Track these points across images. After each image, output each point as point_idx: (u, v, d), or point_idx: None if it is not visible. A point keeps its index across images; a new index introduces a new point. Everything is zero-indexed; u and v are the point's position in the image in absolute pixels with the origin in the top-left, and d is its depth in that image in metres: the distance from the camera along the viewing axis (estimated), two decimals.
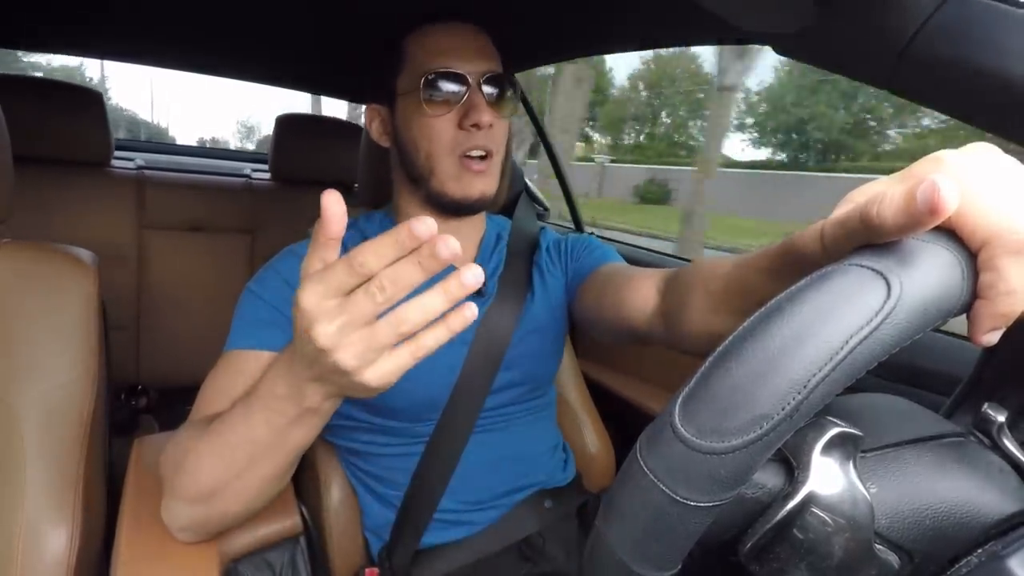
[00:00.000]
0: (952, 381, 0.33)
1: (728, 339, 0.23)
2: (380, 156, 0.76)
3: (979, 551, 0.24)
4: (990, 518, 0.24)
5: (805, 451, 0.24)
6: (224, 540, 0.55)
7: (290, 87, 1.71)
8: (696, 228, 6.77)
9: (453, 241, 0.30)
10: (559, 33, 1.00)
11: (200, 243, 1.48)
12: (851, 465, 0.24)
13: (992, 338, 0.24)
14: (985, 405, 0.27)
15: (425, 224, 0.30)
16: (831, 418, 0.25)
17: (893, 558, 0.24)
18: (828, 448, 0.24)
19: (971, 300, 0.24)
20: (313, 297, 0.33)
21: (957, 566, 0.24)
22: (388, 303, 0.32)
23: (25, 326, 0.59)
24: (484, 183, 0.65)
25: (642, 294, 0.58)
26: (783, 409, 0.21)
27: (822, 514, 0.23)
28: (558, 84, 6.64)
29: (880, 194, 0.24)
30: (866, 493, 0.24)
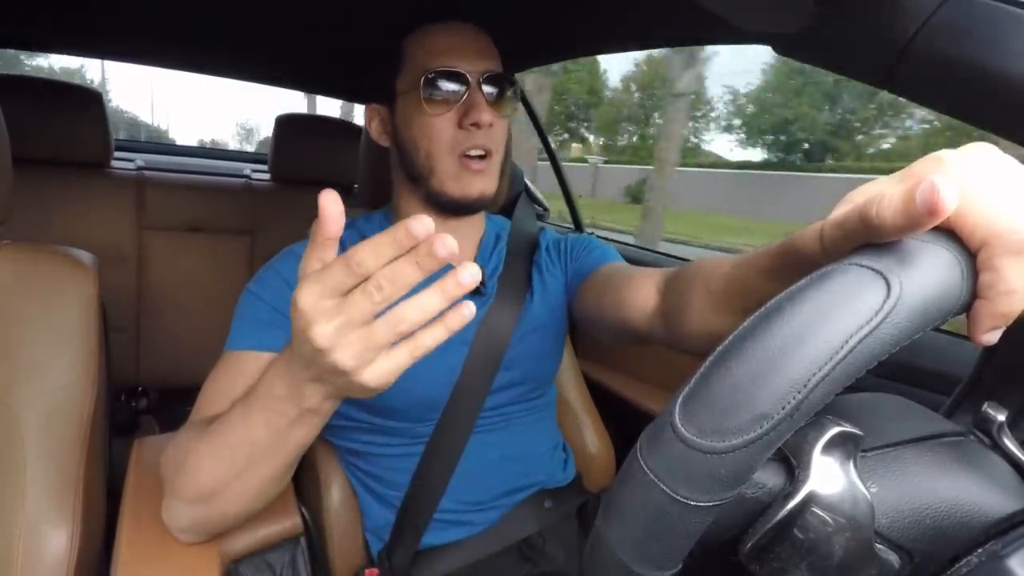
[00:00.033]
0: (952, 380, 0.33)
1: (728, 339, 0.23)
2: (380, 156, 0.76)
3: (979, 550, 0.24)
4: (990, 517, 0.24)
5: (805, 450, 0.24)
6: (224, 541, 0.55)
7: (290, 87, 1.71)
8: (654, 223, 7.72)
9: (450, 240, 0.30)
10: (559, 33, 1.00)
11: (200, 244, 1.48)
12: (851, 464, 0.24)
13: (992, 337, 0.24)
14: (985, 404, 0.27)
15: (422, 223, 0.30)
16: (831, 417, 0.25)
17: (893, 557, 0.24)
18: (828, 447, 0.24)
19: (971, 300, 0.24)
20: (310, 297, 0.33)
21: (957, 565, 0.24)
22: (386, 302, 0.32)
23: (25, 327, 0.59)
24: (483, 182, 0.65)
25: (642, 294, 0.58)
26: (783, 408, 0.21)
27: (822, 513, 0.23)
28: None
29: (879, 194, 0.24)
30: (866, 492, 0.24)
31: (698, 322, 0.49)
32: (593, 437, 0.90)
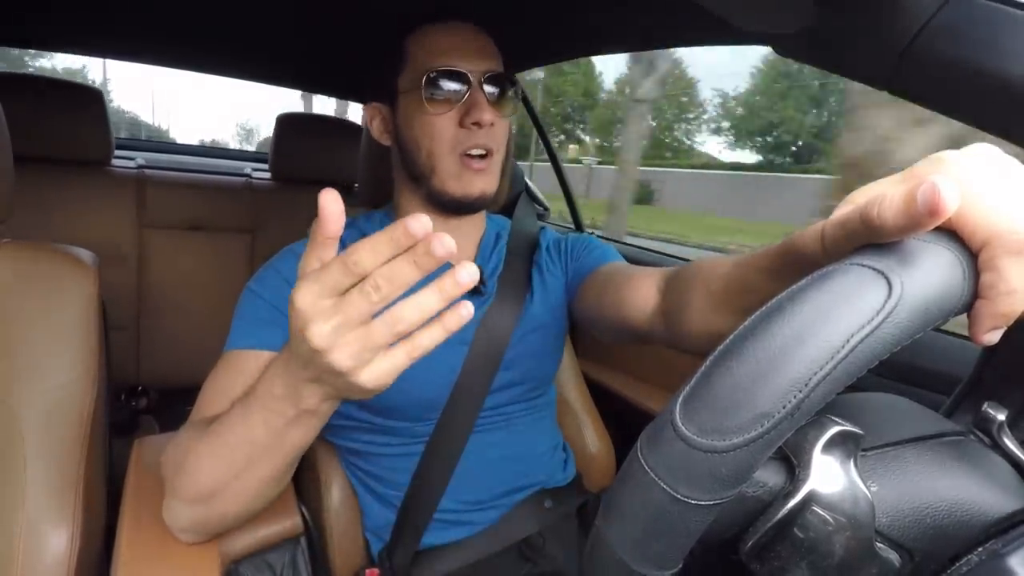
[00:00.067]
0: (952, 380, 0.33)
1: (729, 338, 0.23)
2: (380, 156, 0.76)
3: (979, 549, 0.24)
4: (990, 516, 0.24)
5: (806, 450, 0.24)
6: (225, 541, 0.55)
7: (291, 86, 1.71)
8: (619, 219, 8.16)
9: (448, 239, 0.30)
10: (559, 33, 1.00)
11: (200, 242, 1.48)
12: (852, 464, 0.24)
13: (992, 338, 0.24)
14: (985, 404, 0.27)
15: (420, 222, 0.30)
16: (832, 417, 0.25)
17: (894, 556, 0.24)
18: (829, 447, 0.24)
19: (972, 300, 0.24)
20: (308, 296, 0.33)
21: (957, 564, 0.24)
22: (383, 302, 0.32)
23: (25, 326, 0.59)
24: (485, 181, 0.65)
25: (642, 293, 0.58)
26: (784, 408, 0.21)
27: (823, 512, 0.23)
28: None
29: (880, 195, 0.24)
30: (867, 492, 0.24)
31: (698, 321, 0.49)
32: (593, 437, 0.90)
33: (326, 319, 0.33)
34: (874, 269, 0.23)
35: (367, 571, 0.65)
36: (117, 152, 1.45)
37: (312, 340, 0.33)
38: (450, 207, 0.66)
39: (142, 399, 1.42)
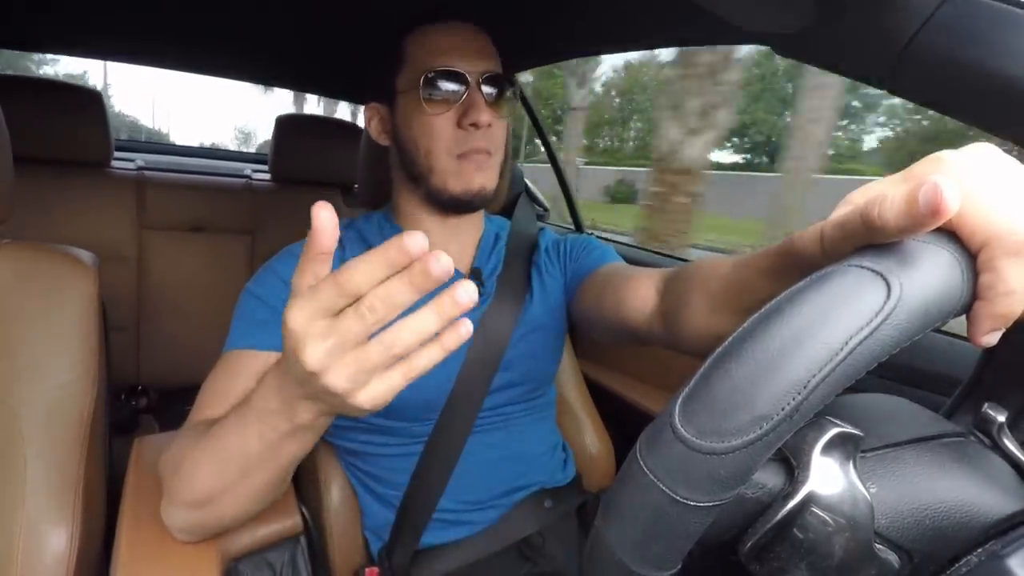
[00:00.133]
0: (952, 381, 0.33)
1: (728, 340, 0.23)
2: (380, 156, 0.76)
3: (979, 550, 0.24)
4: (990, 518, 0.24)
5: (805, 451, 0.24)
6: (224, 540, 0.55)
7: (290, 87, 1.71)
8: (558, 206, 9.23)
9: (445, 258, 0.29)
10: (559, 33, 1.00)
11: (200, 244, 1.48)
12: (851, 465, 0.24)
13: (992, 339, 0.24)
14: (985, 405, 0.27)
15: (416, 239, 0.29)
16: (831, 418, 0.25)
17: (893, 558, 0.24)
18: (828, 448, 0.24)
19: (971, 301, 0.24)
20: (301, 317, 0.32)
21: (957, 565, 0.24)
22: (379, 324, 0.31)
23: (25, 327, 0.59)
24: (484, 177, 0.64)
25: (641, 294, 0.58)
26: (783, 410, 0.21)
27: (822, 514, 0.23)
28: None
29: (881, 195, 0.24)
30: (866, 493, 0.24)
31: (697, 323, 0.49)
32: (593, 437, 0.90)
33: (320, 340, 0.32)
34: (873, 271, 0.23)
35: (366, 570, 0.65)
36: (117, 154, 1.45)
37: (306, 362, 0.32)
38: (449, 206, 0.66)
39: (142, 399, 1.42)
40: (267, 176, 1.61)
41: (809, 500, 0.23)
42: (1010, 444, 0.26)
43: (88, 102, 1.28)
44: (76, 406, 0.59)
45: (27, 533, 0.54)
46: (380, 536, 0.68)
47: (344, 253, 0.67)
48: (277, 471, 0.45)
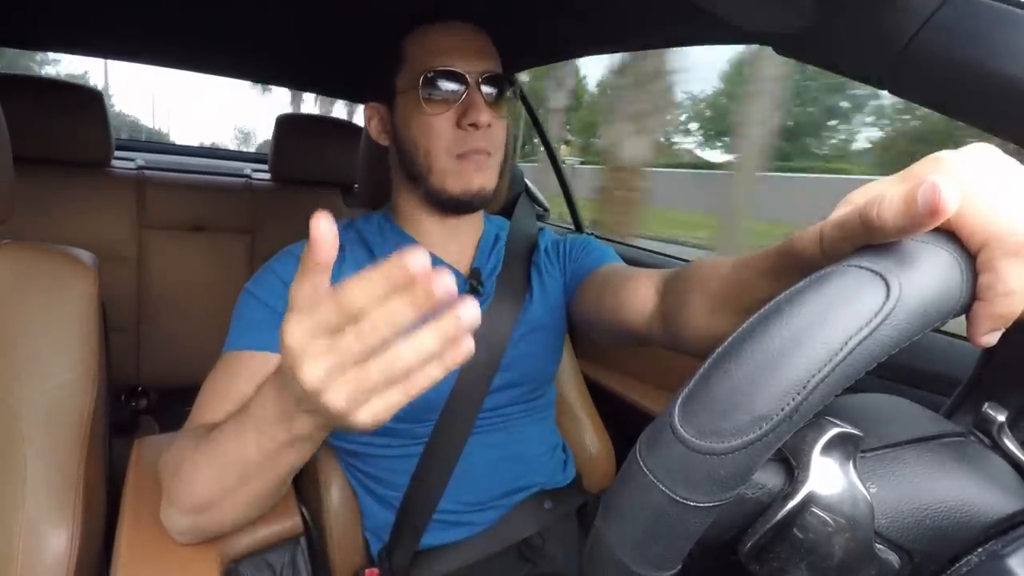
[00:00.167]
0: (952, 381, 0.33)
1: (727, 340, 0.23)
2: (380, 156, 0.76)
3: (979, 550, 0.24)
4: (990, 517, 0.24)
5: (805, 451, 0.24)
6: (224, 540, 0.55)
7: (290, 86, 1.71)
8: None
9: (449, 278, 0.28)
10: (559, 33, 1.00)
11: (200, 243, 1.48)
12: (851, 465, 0.24)
13: (991, 339, 0.24)
14: (985, 405, 0.27)
15: (418, 257, 0.28)
16: (831, 418, 0.25)
17: (893, 557, 0.24)
18: (828, 448, 0.24)
19: (970, 301, 0.24)
20: (298, 334, 0.31)
21: (957, 565, 0.24)
22: (380, 343, 0.30)
23: (25, 326, 0.59)
24: (483, 177, 0.64)
25: (641, 295, 0.58)
26: (782, 410, 0.21)
27: (822, 514, 0.23)
28: None
29: (880, 195, 0.24)
30: (866, 493, 0.24)
31: (697, 323, 0.49)
32: (593, 438, 0.90)
33: (318, 359, 0.31)
34: (872, 271, 0.23)
35: (367, 571, 0.65)
36: (117, 153, 1.45)
37: (304, 381, 0.31)
38: (448, 206, 0.66)
39: (142, 399, 1.42)
40: (267, 176, 1.61)
41: (809, 500, 0.23)
42: (1010, 444, 0.26)
43: (88, 101, 1.28)
44: (76, 406, 0.59)
45: (27, 533, 0.54)
46: (380, 537, 0.67)
47: (344, 253, 0.67)
48: (275, 479, 0.45)
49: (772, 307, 0.23)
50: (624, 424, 1.01)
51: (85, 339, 0.61)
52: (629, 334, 0.60)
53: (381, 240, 0.70)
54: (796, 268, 0.33)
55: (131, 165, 1.49)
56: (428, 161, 0.64)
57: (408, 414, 0.64)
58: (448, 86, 0.62)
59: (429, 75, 0.61)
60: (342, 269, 0.64)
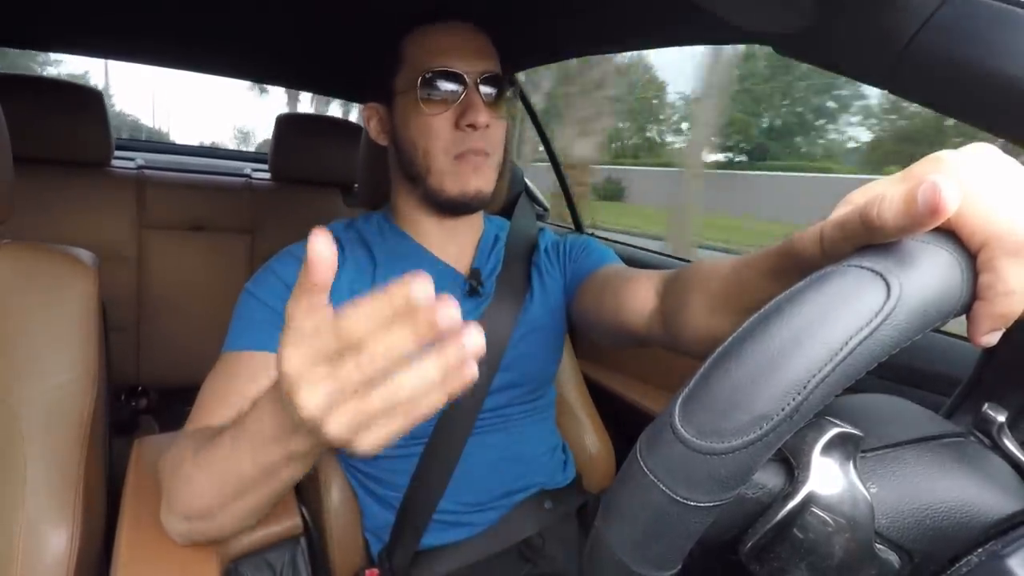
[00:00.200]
0: (952, 382, 0.33)
1: (727, 340, 0.23)
2: (380, 156, 0.76)
3: (979, 550, 0.24)
4: (990, 517, 0.24)
5: (805, 451, 0.24)
6: (224, 541, 0.55)
7: (289, 86, 1.71)
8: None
9: (453, 308, 0.27)
10: (559, 33, 1.00)
11: (200, 243, 1.48)
12: (851, 465, 0.24)
13: (991, 339, 0.24)
14: (985, 405, 0.27)
15: (422, 288, 0.27)
16: (831, 418, 0.25)
17: (893, 558, 0.24)
18: (828, 448, 0.24)
19: (970, 301, 0.24)
20: (295, 360, 0.30)
21: (957, 565, 0.24)
22: (380, 374, 0.29)
23: (25, 326, 0.59)
24: (481, 179, 0.64)
25: (641, 296, 0.58)
26: (783, 410, 0.21)
27: (822, 514, 0.23)
28: None
29: (880, 195, 0.24)
30: (866, 493, 0.24)
31: (697, 324, 0.49)
32: (593, 438, 0.90)
33: (317, 385, 0.30)
34: (872, 271, 0.23)
35: (367, 571, 0.65)
36: (117, 153, 1.45)
37: (302, 409, 0.30)
38: (446, 207, 0.66)
39: (142, 399, 1.42)
40: (267, 175, 1.61)
41: (809, 500, 0.23)
42: (1010, 444, 0.26)
43: (89, 101, 1.28)
44: (76, 406, 0.59)
45: (27, 533, 0.54)
46: (380, 537, 0.67)
47: (344, 253, 0.67)
48: (273, 492, 0.44)
49: (772, 307, 0.23)
50: (624, 424, 1.01)
51: (85, 339, 0.61)
52: (629, 335, 0.60)
53: (381, 240, 0.70)
54: (796, 268, 0.33)
55: (131, 165, 1.49)
56: (427, 161, 0.64)
57: None
58: (447, 86, 0.62)
59: (428, 75, 0.61)
60: (342, 269, 0.64)
